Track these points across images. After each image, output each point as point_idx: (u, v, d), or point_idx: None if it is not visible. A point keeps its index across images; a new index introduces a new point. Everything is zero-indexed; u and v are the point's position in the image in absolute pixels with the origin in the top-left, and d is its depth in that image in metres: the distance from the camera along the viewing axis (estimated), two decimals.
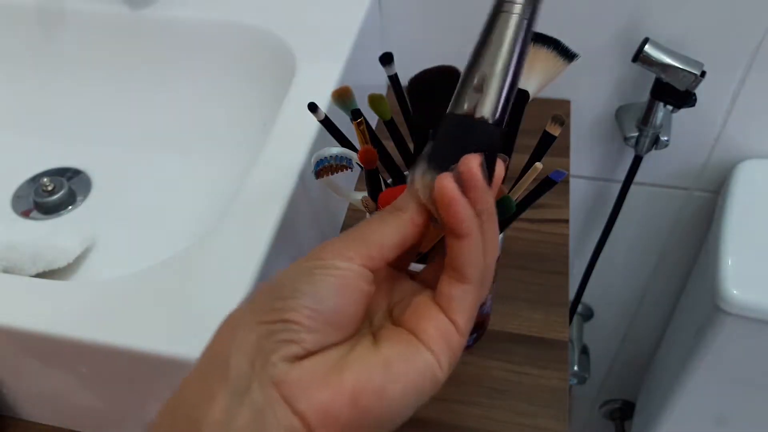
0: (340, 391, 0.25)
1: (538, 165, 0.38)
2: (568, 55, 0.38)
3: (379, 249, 0.27)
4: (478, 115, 0.27)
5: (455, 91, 0.28)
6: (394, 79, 0.41)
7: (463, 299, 0.27)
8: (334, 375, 0.25)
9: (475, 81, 0.27)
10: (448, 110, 0.28)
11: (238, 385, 0.24)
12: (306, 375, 0.25)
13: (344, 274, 0.26)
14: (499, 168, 0.28)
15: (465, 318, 0.28)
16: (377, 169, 0.40)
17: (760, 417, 0.80)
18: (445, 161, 0.27)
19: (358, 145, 0.41)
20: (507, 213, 0.38)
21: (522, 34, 0.27)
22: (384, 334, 0.27)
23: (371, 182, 0.41)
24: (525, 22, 0.27)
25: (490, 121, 0.27)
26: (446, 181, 0.26)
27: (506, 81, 0.27)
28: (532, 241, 0.58)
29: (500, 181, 0.29)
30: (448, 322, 0.27)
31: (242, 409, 0.24)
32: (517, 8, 0.27)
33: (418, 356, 0.26)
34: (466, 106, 0.27)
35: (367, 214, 0.42)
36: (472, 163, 0.26)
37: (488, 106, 0.27)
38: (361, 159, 0.39)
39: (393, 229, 0.28)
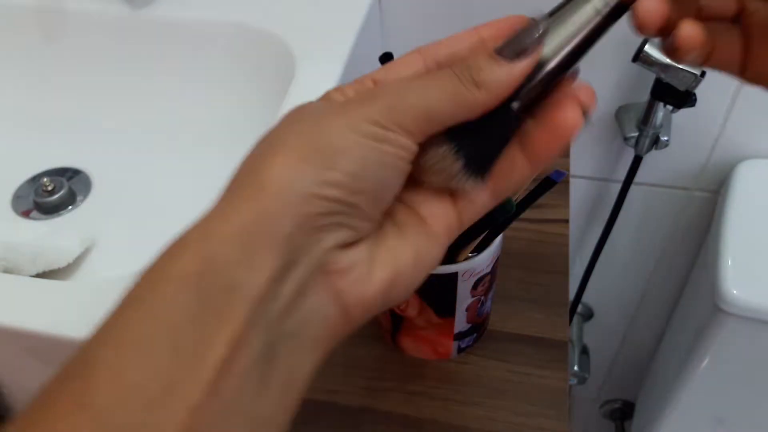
0: (382, 286, 0.24)
1: None
2: None
3: (439, 128, 0.24)
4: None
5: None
6: None
7: (476, 203, 0.27)
8: (377, 269, 0.24)
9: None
10: None
11: (288, 255, 0.22)
12: (354, 267, 0.24)
13: (406, 157, 0.24)
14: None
15: (471, 219, 0.27)
16: None
17: (759, 417, 0.80)
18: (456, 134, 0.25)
19: None
20: (507, 213, 0.38)
21: (588, 28, 0.25)
22: (401, 218, 0.26)
23: None
24: (598, 18, 0.25)
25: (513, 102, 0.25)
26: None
27: (543, 68, 0.25)
28: (532, 241, 0.58)
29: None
30: (456, 217, 0.27)
31: (286, 286, 0.22)
32: (599, 3, 0.25)
33: (435, 250, 0.26)
34: None
35: None
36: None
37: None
38: None
39: (464, 110, 0.24)
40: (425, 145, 0.25)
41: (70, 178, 0.64)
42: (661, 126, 0.68)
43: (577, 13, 0.25)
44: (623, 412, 1.12)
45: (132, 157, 0.66)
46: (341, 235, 0.23)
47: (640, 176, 0.73)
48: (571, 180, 0.77)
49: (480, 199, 0.27)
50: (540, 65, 0.25)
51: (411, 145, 0.24)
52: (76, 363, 0.21)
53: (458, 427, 0.47)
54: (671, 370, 0.82)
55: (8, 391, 0.47)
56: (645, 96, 0.67)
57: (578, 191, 0.80)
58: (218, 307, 0.21)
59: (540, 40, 0.25)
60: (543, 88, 0.25)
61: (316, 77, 0.54)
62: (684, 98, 0.63)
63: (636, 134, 0.69)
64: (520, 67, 0.24)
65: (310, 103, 0.26)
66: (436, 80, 0.24)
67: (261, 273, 0.21)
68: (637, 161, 0.71)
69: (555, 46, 0.25)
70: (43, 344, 0.41)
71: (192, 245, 0.22)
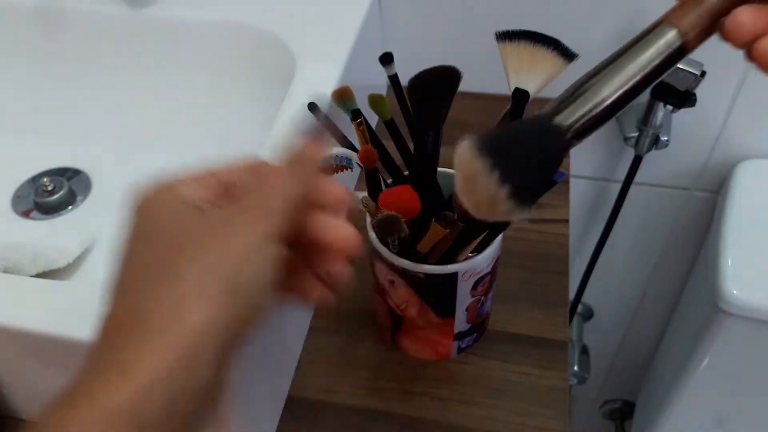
0: None
1: None
2: (567, 55, 0.38)
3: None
4: (557, 120, 0.26)
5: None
6: (394, 79, 0.41)
7: None
8: None
9: (580, 85, 0.26)
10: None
11: None
12: None
13: None
14: None
15: None
16: (377, 169, 0.40)
17: (759, 417, 0.80)
18: (492, 144, 0.26)
19: (358, 145, 0.41)
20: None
21: (656, 63, 0.25)
22: None
23: (371, 182, 0.41)
24: (664, 60, 0.25)
25: (565, 133, 0.25)
26: None
27: (606, 103, 0.25)
28: (532, 241, 0.58)
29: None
30: None
31: None
32: (670, 37, 0.25)
33: None
34: (554, 105, 0.26)
35: (367, 214, 0.42)
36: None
37: (570, 116, 0.26)
38: (361, 159, 0.39)
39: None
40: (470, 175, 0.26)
41: (70, 178, 0.64)
42: (661, 126, 0.68)
43: (639, 56, 0.26)
44: (623, 412, 1.12)
45: (132, 158, 0.66)
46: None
47: (640, 176, 0.73)
48: (571, 180, 0.77)
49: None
50: (600, 102, 0.26)
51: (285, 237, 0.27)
52: None
53: (458, 427, 0.47)
54: (671, 370, 0.82)
55: (8, 391, 0.47)
56: (645, 96, 0.67)
57: (578, 191, 0.80)
58: None
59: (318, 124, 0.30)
60: (599, 122, 0.26)
61: (316, 77, 0.54)
62: (684, 98, 0.63)
63: (636, 134, 0.69)
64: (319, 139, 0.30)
65: (173, 214, 0.27)
66: (291, 173, 0.28)
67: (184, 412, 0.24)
68: (637, 161, 0.71)
69: (618, 84, 0.26)
70: (43, 344, 0.41)
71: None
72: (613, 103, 0.25)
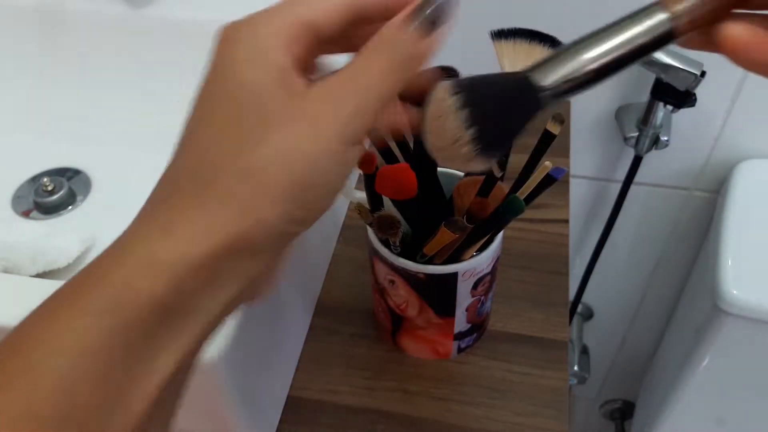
0: None
1: (548, 164, 0.38)
2: None
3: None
4: (534, 77, 0.26)
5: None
6: None
7: None
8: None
9: (565, 50, 0.26)
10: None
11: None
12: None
13: None
14: None
15: None
16: (375, 174, 0.39)
17: (759, 417, 0.80)
18: (467, 87, 0.25)
19: None
20: (516, 213, 0.38)
21: (640, 41, 0.25)
22: None
23: (369, 186, 0.40)
24: (650, 40, 0.25)
25: (539, 91, 0.25)
26: None
27: (584, 69, 0.25)
28: (532, 241, 0.58)
29: None
30: None
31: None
32: (661, 19, 0.25)
33: None
34: (535, 64, 0.26)
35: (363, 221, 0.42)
36: None
37: (548, 77, 0.25)
38: (360, 164, 0.39)
39: (402, 85, 0.26)
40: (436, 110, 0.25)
41: (70, 178, 0.64)
42: (661, 126, 0.68)
43: (627, 30, 0.26)
44: (623, 412, 1.12)
45: (132, 157, 0.65)
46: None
47: (640, 176, 0.73)
48: (571, 180, 0.77)
49: None
50: (581, 67, 0.25)
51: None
52: (17, 355, 0.22)
53: (458, 427, 0.47)
54: (671, 370, 0.82)
55: None
56: (645, 96, 0.67)
57: (578, 191, 0.80)
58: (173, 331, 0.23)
59: (452, 6, 0.26)
60: (576, 87, 0.26)
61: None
62: (684, 98, 0.63)
63: (636, 134, 0.69)
64: (439, 36, 0.25)
65: (258, 76, 0.24)
66: (377, 68, 0.25)
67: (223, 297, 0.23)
68: (637, 161, 0.71)
69: (599, 53, 0.26)
70: None
71: (162, 266, 0.23)
72: (592, 71, 0.26)
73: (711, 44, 0.25)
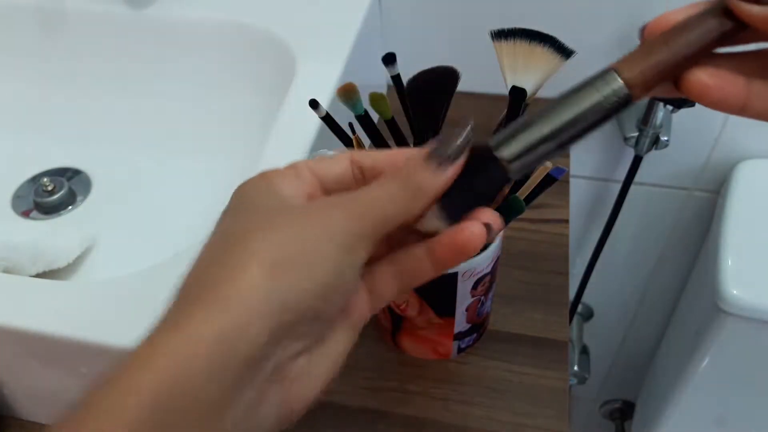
0: (324, 386, 0.28)
1: (548, 164, 0.38)
2: (564, 52, 0.38)
3: (386, 231, 0.27)
4: (498, 152, 0.26)
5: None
6: (396, 80, 0.41)
7: (384, 296, 0.29)
8: (320, 370, 0.27)
9: (523, 120, 0.26)
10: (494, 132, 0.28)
11: (255, 364, 0.23)
12: (303, 372, 0.26)
13: (366, 260, 0.26)
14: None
15: (375, 310, 0.29)
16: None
17: (760, 417, 0.80)
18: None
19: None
20: (518, 213, 0.38)
21: (595, 117, 0.26)
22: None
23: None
24: (606, 110, 0.26)
25: (507, 164, 0.26)
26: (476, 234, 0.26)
27: (547, 142, 0.26)
28: (532, 241, 0.58)
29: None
30: (369, 308, 0.29)
31: (246, 394, 0.23)
32: (607, 92, 0.25)
33: (354, 338, 0.29)
34: (496, 139, 0.27)
35: None
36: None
37: (512, 149, 0.26)
38: None
39: (408, 216, 0.26)
40: None
41: (70, 178, 0.64)
42: (661, 126, 0.68)
43: (583, 100, 0.26)
44: (623, 412, 1.12)
45: (132, 157, 0.66)
46: (304, 343, 0.25)
47: (640, 176, 0.73)
48: (571, 180, 0.77)
49: (389, 293, 0.28)
50: (542, 141, 0.26)
51: (371, 250, 0.26)
52: None
53: (458, 427, 0.47)
54: (671, 370, 0.82)
55: (8, 391, 0.47)
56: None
57: (578, 191, 0.80)
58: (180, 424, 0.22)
59: (467, 144, 0.26)
60: (540, 159, 0.26)
61: (316, 77, 0.54)
62: (684, 98, 0.63)
63: (636, 134, 0.69)
64: (452, 172, 0.26)
65: (263, 199, 0.26)
66: (388, 191, 0.26)
67: (225, 385, 0.22)
68: (637, 161, 0.71)
69: (555, 127, 0.26)
70: (43, 344, 0.41)
71: (160, 360, 0.22)
72: (555, 143, 0.26)
73: (675, 90, 0.26)
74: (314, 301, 0.24)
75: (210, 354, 0.22)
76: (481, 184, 0.27)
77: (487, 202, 0.27)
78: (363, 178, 0.28)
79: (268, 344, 0.23)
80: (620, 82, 0.25)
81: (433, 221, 0.27)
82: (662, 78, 0.25)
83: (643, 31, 0.26)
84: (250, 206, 0.26)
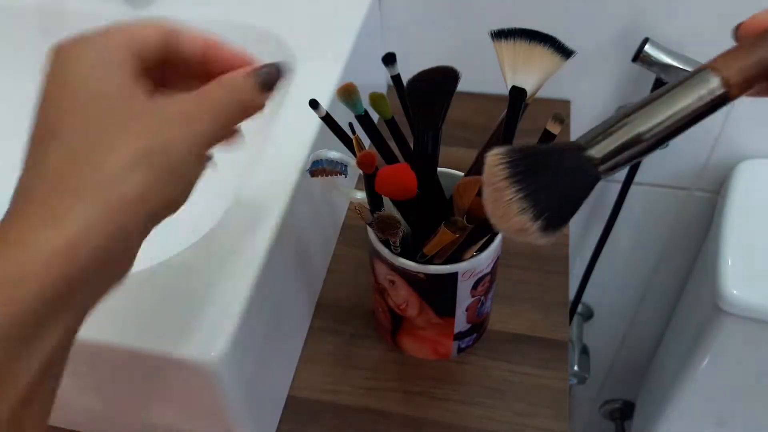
0: None
1: None
2: (564, 52, 0.38)
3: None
4: (588, 150, 0.26)
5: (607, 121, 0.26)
6: (396, 80, 0.41)
7: None
8: None
9: (616, 121, 0.26)
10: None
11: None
12: None
13: None
14: None
15: None
16: (375, 174, 0.39)
17: (760, 417, 0.80)
18: (523, 168, 0.26)
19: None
20: None
21: (690, 117, 0.25)
22: None
23: (369, 186, 0.41)
24: (702, 110, 0.25)
25: (596, 163, 0.25)
26: None
27: (640, 143, 0.25)
28: None
29: None
30: None
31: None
32: (703, 92, 0.25)
33: None
34: (586, 137, 0.26)
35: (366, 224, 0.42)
36: None
37: (604, 150, 0.25)
38: (360, 163, 0.39)
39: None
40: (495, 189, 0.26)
41: None
42: None
43: (678, 99, 0.25)
44: (623, 412, 1.12)
45: None
46: None
47: (640, 176, 0.73)
48: None
49: None
50: (634, 141, 0.25)
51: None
52: None
53: (458, 427, 0.47)
54: (671, 370, 0.82)
55: None
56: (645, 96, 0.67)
57: None
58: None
59: (279, 74, 0.30)
60: (632, 159, 0.26)
61: (316, 77, 0.54)
62: None
63: None
64: (271, 97, 0.31)
65: (93, 90, 0.27)
66: (218, 103, 0.29)
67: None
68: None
69: (648, 127, 0.25)
70: None
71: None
72: (648, 143, 0.25)
73: None
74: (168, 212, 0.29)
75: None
76: (569, 183, 0.26)
77: (577, 202, 0.26)
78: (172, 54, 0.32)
79: (141, 234, 0.28)
80: (717, 81, 0.25)
81: (520, 219, 0.26)
82: (762, 77, 0.24)
83: (736, 31, 0.26)
84: (88, 91, 0.27)
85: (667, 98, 0.25)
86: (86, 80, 0.27)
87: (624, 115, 0.26)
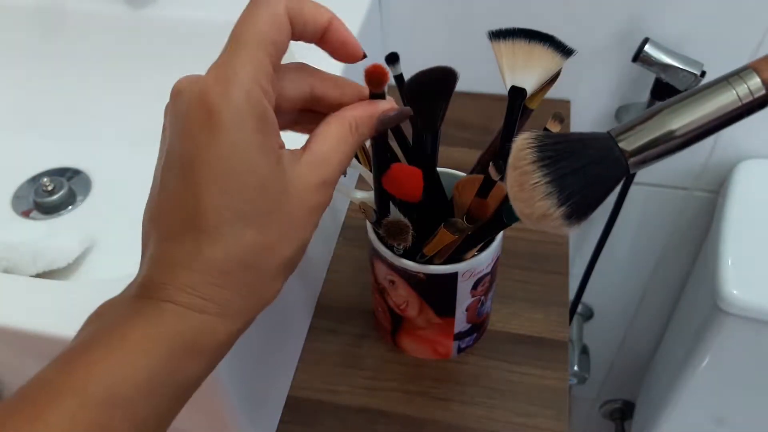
0: None
1: None
2: (564, 51, 0.38)
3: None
4: (620, 144, 0.25)
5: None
6: (399, 79, 0.41)
7: None
8: None
9: (650, 116, 0.25)
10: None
11: None
12: None
13: None
14: None
15: None
16: (388, 143, 0.39)
17: (759, 417, 0.80)
18: (551, 156, 0.25)
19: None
20: (518, 219, 0.37)
21: (727, 116, 0.25)
22: None
23: (379, 188, 0.40)
24: (740, 110, 0.25)
25: (626, 155, 0.25)
26: None
27: (673, 136, 0.25)
28: (532, 241, 0.58)
29: None
30: None
31: None
32: (744, 91, 0.24)
33: None
34: (618, 129, 0.25)
35: (367, 222, 0.42)
36: None
37: (635, 143, 0.25)
38: (367, 78, 0.37)
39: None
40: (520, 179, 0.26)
41: (70, 178, 0.64)
42: None
43: (716, 98, 0.25)
44: (623, 412, 1.12)
45: (132, 158, 0.65)
46: None
47: (640, 176, 0.73)
48: None
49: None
50: (668, 137, 0.25)
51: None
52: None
53: (458, 427, 0.47)
54: (671, 370, 0.82)
55: (8, 392, 0.47)
56: (645, 96, 0.67)
57: None
58: None
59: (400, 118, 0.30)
60: (662, 155, 0.25)
61: None
62: None
63: None
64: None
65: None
66: (347, 151, 0.32)
67: None
68: None
69: (686, 123, 0.25)
70: (43, 344, 0.41)
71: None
72: (681, 138, 0.25)
73: None
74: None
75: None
76: (597, 173, 0.26)
77: (603, 193, 0.26)
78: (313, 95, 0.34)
79: None
80: (758, 81, 0.24)
81: (544, 203, 0.25)
82: None
83: None
84: (220, 157, 0.27)
85: (704, 96, 0.25)
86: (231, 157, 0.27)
87: (658, 110, 0.26)
